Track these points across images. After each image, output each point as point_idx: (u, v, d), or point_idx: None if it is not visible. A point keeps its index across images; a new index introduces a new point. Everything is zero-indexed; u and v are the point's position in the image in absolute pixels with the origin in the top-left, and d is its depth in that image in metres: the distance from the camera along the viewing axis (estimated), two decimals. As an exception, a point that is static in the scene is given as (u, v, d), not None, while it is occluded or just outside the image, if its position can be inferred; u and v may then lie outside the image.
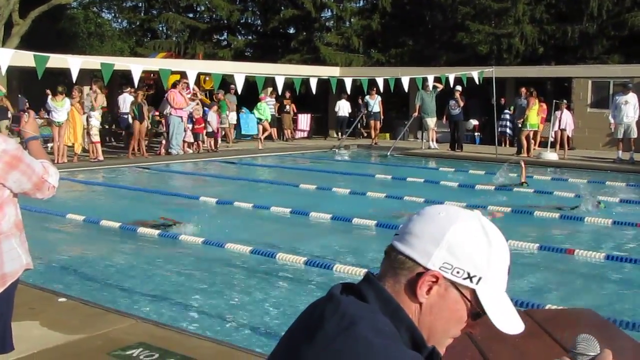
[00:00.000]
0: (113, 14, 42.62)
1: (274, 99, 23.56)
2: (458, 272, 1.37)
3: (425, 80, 19.84)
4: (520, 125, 19.94)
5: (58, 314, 5.50)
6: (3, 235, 3.26)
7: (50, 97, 17.05)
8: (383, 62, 30.79)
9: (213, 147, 20.48)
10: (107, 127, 21.93)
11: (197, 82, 21.97)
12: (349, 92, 18.27)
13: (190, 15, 37.13)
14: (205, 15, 37.37)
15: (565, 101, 20.10)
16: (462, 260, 1.37)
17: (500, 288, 1.42)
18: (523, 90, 20.51)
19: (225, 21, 35.83)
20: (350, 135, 23.97)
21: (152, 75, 24.01)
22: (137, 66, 13.65)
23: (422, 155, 20.65)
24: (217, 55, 32.85)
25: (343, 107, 25.04)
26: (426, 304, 1.39)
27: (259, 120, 21.68)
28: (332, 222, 10.18)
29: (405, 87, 17.73)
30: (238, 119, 24.15)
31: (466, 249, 1.37)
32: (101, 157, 17.66)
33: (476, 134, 24.31)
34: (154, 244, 9.10)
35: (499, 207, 10.85)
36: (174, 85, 19.04)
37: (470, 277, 1.37)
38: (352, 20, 33.55)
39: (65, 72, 13.92)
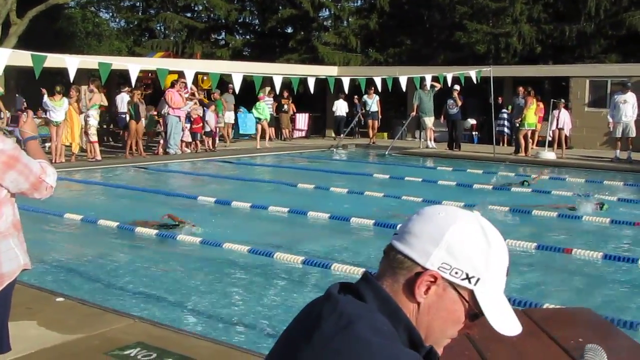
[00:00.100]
0: (111, 14, 42.60)
1: (271, 99, 23.56)
2: (456, 273, 1.37)
3: (423, 79, 19.85)
4: (518, 125, 19.95)
5: (55, 314, 5.49)
6: (0, 235, 3.25)
7: (46, 96, 17.03)
8: (381, 61, 30.79)
9: (211, 147, 20.47)
10: (105, 126, 21.92)
11: (195, 82, 21.97)
12: (346, 91, 18.25)
13: (188, 14, 37.11)
14: (203, 15, 37.35)
15: (563, 100, 20.12)
16: (460, 261, 1.37)
17: (499, 289, 1.41)
18: (521, 89, 20.53)
19: (223, 21, 35.83)
20: (347, 134, 23.98)
21: (149, 74, 24.00)
22: (134, 66, 13.63)
23: (420, 154, 20.65)
24: (215, 54, 32.85)
25: (340, 107, 25.06)
26: (424, 304, 1.38)
27: (258, 120, 21.65)
28: (330, 222, 10.18)
29: (403, 86, 17.73)
30: (236, 119, 24.16)
31: (465, 249, 1.37)
32: (99, 157, 17.65)
33: (474, 133, 24.32)
34: (152, 243, 9.09)
35: (496, 207, 10.84)
36: (172, 85, 19.04)
37: (468, 278, 1.37)
38: (350, 19, 33.55)
39: (62, 72, 13.91)
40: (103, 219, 9.83)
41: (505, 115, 22.62)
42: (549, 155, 18.73)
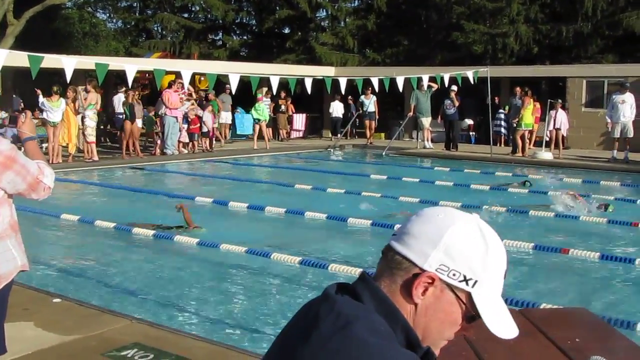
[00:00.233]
0: (108, 14, 42.57)
1: (269, 99, 23.56)
2: (454, 275, 1.37)
3: (420, 80, 19.85)
4: (515, 125, 19.96)
5: (52, 315, 5.48)
6: (-2, 236, 3.25)
7: (41, 96, 17.01)
8: (378, 61, 30.80)
9: (208, 147, 20.46)
10: (102, 127, 21.89)
11: (193, 82, 21.96)
12: (343, 92, 18.25)
13: (185, 15, 37.09)
14: (200, 15, 37.33)
15: (560, 101, 20.13)
16: (458, 263, 1.37)
17: (496, 292, 1.41)
18: (518, 89, 20.53)
19: (220, 21, 35.81)
20: (343, 135, 24.00)
21: (147, 75, 23.98)
22: (131, 66, 13.63)
23: (417, 154, 20.65)
24: (212, 55, 32.83)
25: (336, 108, 25.08)
26: (421, 305, 1.38)
27: (257, 121, 21.58)
28: (327, 222, 10.18)
29: (400, 87, 17.73)
30: (233, 119, 24.15)
31: (463, 251, 1.37)
32: (96, 158, 17.63)
33: (471, 133, 24.34)
34: (149, 244, 9.08)
35: (494, 207, 10.85)
36: (169, 86, 19.02)
37: (466, 280, 1.37)
38: (347, 20, 33.55)
39: (59, 72, 13.89)
40: (100, 220, 9.82)
41: (502, 116, 22.63)
42: (546, 155, 18.74)
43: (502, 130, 22.70)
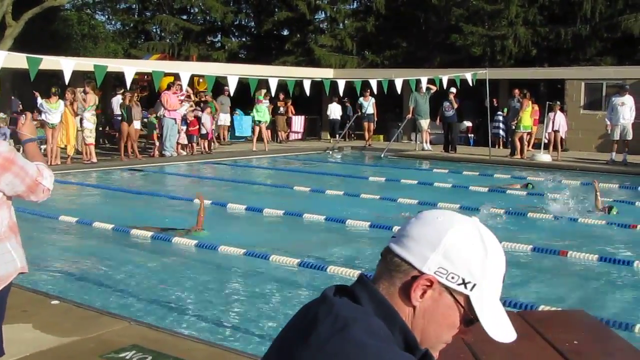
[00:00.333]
0: (107, 16, 42.55)
1: (267, 101, 23.56)
2: (453, 278, 1.37)
3: (418, 82, 19.86)
4: (514, 127, 19.97)
5: (51, 317, 5.48)
6: (-3, 238, 3.24)
7: (39, 97, 17.00)
8: (377, 63, 30.81)
9: (207, 149, 20.46)
10: (100, 129, 21.88)
11: (191, 84, 21.95)
12: (341, 94, 18.25)
13: (184, 17, 37.10)
14: (199, 17, 37.34)
15: (558, 103, 20.14)
16: (457, 266, 1.37)
17: (495, 296, 1.42)
18: (516, 91, 20.55)
19: (219, 23, 35.79)
20: (342, 137, 24.00)
21: (145, 77, 23.98)
22: (130, 68, 13.63)
23: (416, 156, 20.64)
24: (211, 57, 32.82)
25: (334, 111, 25.09)
26: (420, 308, 1.39)
27: (258, 122, 21.54)
28: (325, 224, 10.18)
29: (399, 88, 17.73)
30: (232, 121, 24.15)
31: (462, 255, 1.37)
32: (94, 159, 17.62)
33: (470, 135, 24.34)
34: (147, 246, 9.07)
35: (492, 209, 10.85)
36: (168, 87, 19.02)
37: (464, 283, 1.38)
38: (346, 22, 33.56)
39: (58, 74, 13.90)
40: (98, 221, 9.81)
41: (500, 118, 22.65)
42: (544, 157, 18.75)
43: (501, 132, 22.71)
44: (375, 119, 23.83)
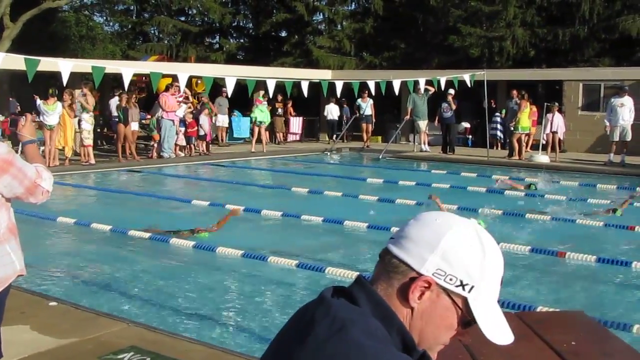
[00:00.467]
0: (105, 17, 42.52)
1: (266, 102, 23.56)
2: (451, 279, 1.37)
3: (417, 83, 19.86)
4: (512, 128, 19.98)
5: (49, 318, 5.48)
6: (-3, 240, 3.23)
7: (39, 100, 16.99)
8: (375, 64, 30.81)
9: (205, 150, 20.45)
10: (98, 130, 21.87)
11: (189, 86, 21.94)
12: (338, 95, 18.25)
13: (182, 18, 37.11)
14: (197, 19, 37.35)
15: (556, 104, 20.14)
16: (455, 268, 1.37)
17: (492, 298, 1.42)
18: (514, 92, 20.56)
19: (217, 24, 35.80)
20: (340, 138, 23.99)
21: (144, 78, 23.97)
22: (127, 69, 13.62)
23: (414, 158, 20.65)
24: (209, 58, 32.84)
25: (332, 111, 25.08)
26: (417, 309, 1.39)
27: (259, 123, 21.50)
28: (323, 225, 10.17)
29: (396, 90, 17.73)
30: (230, 122, 24.14)
31: (460, 256, 1.38)
32: (93, 161, 17.60)
33: (468, 136, 24.35)
34: (145, 247, 9.07)
35: (491, 210, 10.85)
36: (167, 89, 19.01)
37: (462, 285, 1.38)
38: (344, 23, 33.57)
39: (56, 76, 13.89)
40: (96, 223, 9.81)
41: (498, 119, 22.66)
42: (542, 158, 18.76)
43: (498, 133, 22.72)
44: (374, 120, 23.83)
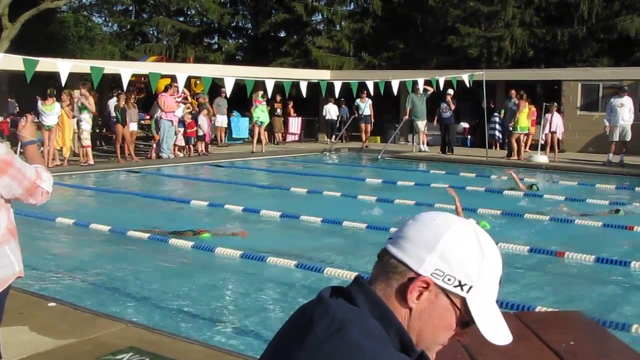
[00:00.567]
0: (103, 18, 42.51)
1: (265, 103, 23.56)
2: (449, 280, 1.37)
3: (415, 83, 19.86)
4: (510, 129, 19.99)
5: (48, 319, 5.47)
6: (-4, 241, 3.22)
7: (40, 101, 16.99)
8: (374, 64, 30.83)
9: (204, 151, 20.44)
10: (97, 130, 21.87)
11: (188, 86, 21.93)
12: (337, 95, 18.26)
13: (181, 18, 37.10)
14: (196, 19, 37.35)
15: (555, 104, 20.15)
16: (454, 268, 1.37)
17: (491, 298, 1.42)
18: (513, 92, 20.57)
19: (216, 25, 35.81)
20: (339, 138, 24.00)
21: (142, 79, 23.96)
22: (126, 70, 13.61)
23: (413, 158, 20.65)
24: (208, 58, 32.85)
25: (330, 111, 25.08)
26: (416, 310, 1.39)
27: (261, 123, 21.46)
28: (322, 225, 10.17)
29: (395, 90, 17.73)
30: (229, 123, 24.14)
31: (459, 257, 1.38)
32: (91, 161, 17.59)
33: (467, 136, 24.35)
34: (144, 247, 9.07)
35: (489, 210, 10.85)
36: (166, 89, 19.01)
37: (461, 285, 1.38)
38: (342, 23, 33.58)
39: (55, 76, 13.88)
40: (95, 223, 9.81)
41: (497, 119, 22.66)
42: (541, 158, 18.77)
43: (497, 133, 22.72)
44: (372, 120, 23.84)
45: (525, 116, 19.59)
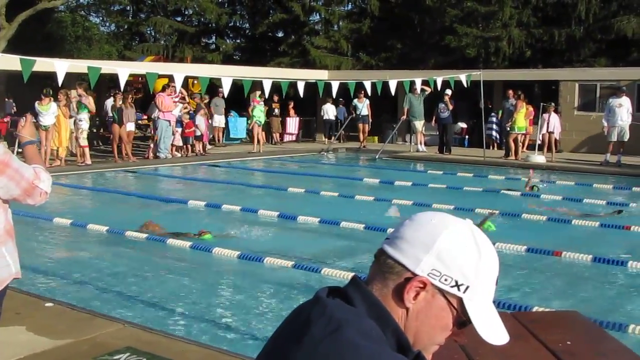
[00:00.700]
0: (101, 18, 42.47)
1: (262, 103, 23.55)
2: (446, 280, 1.37)
3: (413, 83, 19.86)
4: (508, 129, 20.00)
5: (45, 319, 5.46)
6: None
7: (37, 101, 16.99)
8: (372, 65, 30.84)
9: (201, 151, 20.43)
10: (94, 130, 21.85)
11: (186, 86, 21.93)
12: (334, 95, 18.26)
13: (179, 18, 37.08)
14: (193, 19, 37.32)
15: (552, 104, 20.15)
16: (450, 268, 1.37)
17: (488, 298, 1.42)
18: (510, 92, 20.57)
19: (214, 24, 35.80)
20: (337, 138, 24.00)
21: (140, 79, 23.95)
22: (124, 70, 13.60)
23: (411, 158, 20.66)
24: (205, 58, 32.84)
25: (328, 111, 25.08)
26: (413, 310, 1.39)
27: (260, 124, 21.45)
28: (320, 226, 10.17)
29: (393, 90, 17.74)
30: (227, 123, 24.13)
31: (456, 257, 1.38)
32: (89, 161, 17.58)
33: (465, 137, 24.37)
34: (141, 248, 9.06)
35: (487, 210, 10.85)
36: (163, 89, 18.99)
37: (457, 286, 1.38)
38: (340, 23, 33.60)
39: (52, 76, 13.87)
40: (92, 223, 9.80)
41: (494, 119, 22.67)
42: (538, 158, 18.79)
43: (494, 133, 22.73)
44: (370, 120, 23.84)
45: (522, 116, 19.60)
